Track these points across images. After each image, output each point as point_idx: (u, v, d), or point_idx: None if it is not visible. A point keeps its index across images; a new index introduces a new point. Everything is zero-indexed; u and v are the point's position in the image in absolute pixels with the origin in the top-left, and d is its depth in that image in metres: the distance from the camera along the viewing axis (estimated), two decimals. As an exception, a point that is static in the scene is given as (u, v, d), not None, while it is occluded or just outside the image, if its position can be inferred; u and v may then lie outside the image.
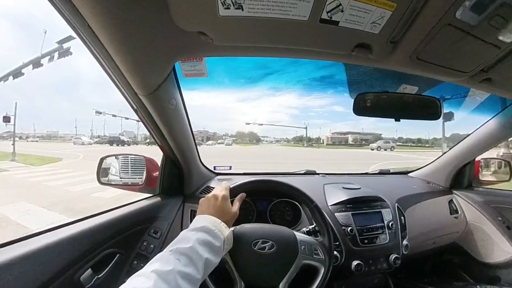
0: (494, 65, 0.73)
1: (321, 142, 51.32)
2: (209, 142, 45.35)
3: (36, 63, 12.90)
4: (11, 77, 13.67)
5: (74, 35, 0.57)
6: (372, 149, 28.01)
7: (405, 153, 23.74)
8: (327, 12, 0.50)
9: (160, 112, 0.87)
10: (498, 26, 0.56)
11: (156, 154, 1.27)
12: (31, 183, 7.56)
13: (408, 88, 1.08)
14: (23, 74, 13.60)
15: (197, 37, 0.59)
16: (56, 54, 12.30)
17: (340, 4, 0.49)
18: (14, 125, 16.26)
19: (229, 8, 0.49)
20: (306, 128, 49.10)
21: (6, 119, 15.89)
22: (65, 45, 12.08)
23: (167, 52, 0.67)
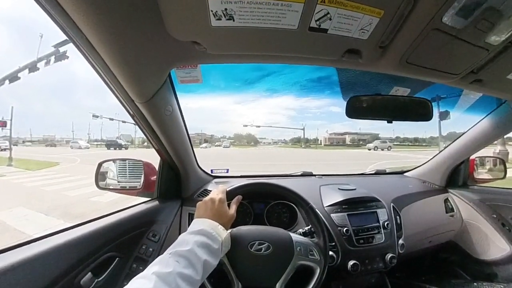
0: (483, 66, 0.74)
1: (319, 143, 51.41)
2: (203, 144, 40.88)
3: (32, 67, 12.84)
4: (7, 81, 13.60)
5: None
6: (369, 149, 28.01)
7: (402, 152, 23.83)
8: (316, 21, 0.52)
9: (156, 118, 0.88)
10: (485, 29, 0.58)
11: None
12: (28, 188, 7.52)
13: (400, 90, 1.10)
14: (19, 78, 13.53)
15: (191, 46, 0.61)
16: (52, 58, 12.24)
17: (328, 13, 0.50)
18: (11, 129, 16.21)
19: (220, 19, 0.51)
20: (303, 129, 49.18)
21: (2, 124, 15.80)
22: (62, 49, 12.05)
23: (162, 61, 0.68)
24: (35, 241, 0.76)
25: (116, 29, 0.51)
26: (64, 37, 0.55)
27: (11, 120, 16.13)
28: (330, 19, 0.52)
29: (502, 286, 1.23)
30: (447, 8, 0.51)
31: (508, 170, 1.71)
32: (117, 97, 0.78)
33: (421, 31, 0.57)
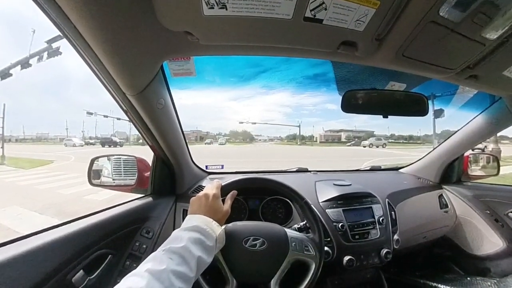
0: (479, 62, 0.74)
1: (315, 140, 51.49)
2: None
3: (25, 64, 12.65)
4: (-1, 78, 13.40)
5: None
6: (364, 147, 28.25)
7: (397, 150, 24.03)
8: (311, 11, 0.51)
9: (149, 111, 0.87)
10: (481, 23, 0.57)
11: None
12: (22, 187, 7.42)
13: (396, 85, 1.10)
14: (11, 75, 13.34)
15: (184, 37, 0.60)
16: (45, 54, 12.06)
17: (323, 2, 0.50)
18: (3, 127, 15.97)
19: (213, 8, 0.49)
20: (299, 126, 49.29)
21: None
22: (54, 45, 11.87)
23: (154, 52, 0.67)
24: (25, 238, 0.75)
25: (106, 19, 0.50)
26: (57, 33, 0.54)
27: (3, 117, 15.93)
28: (326, 9, 0.51)
29: (495, 281, 1.24)
30: (444, 0, 0.50)
31: (500, 167, 1.73)
32: (108, 90, 0.77)
33: (418, 23, 0.56)
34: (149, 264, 0.57)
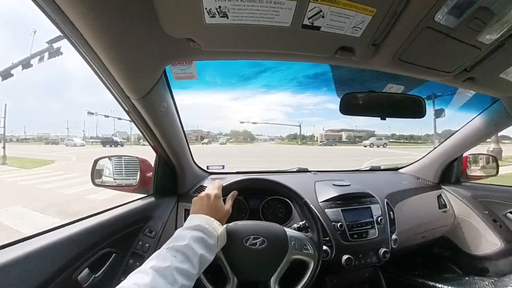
0: (475, 65, 0.75)
1: (315, 139, 51.39)
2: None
3: (26, 64, 12.68)
4: (-1, 78, 13.42)
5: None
6: (365, 146, 28.22)
7: (398, 149, 23.97)
8: (309, 18, 0.53)
9: (152, 114, 0.88)
10: (477, 28, 0.59)
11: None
12: (24, 187, 7.44)
13: (394, 87, 1.11)
14: (12, 75, 13.37)
15: (186, 43, 0.62)
16: (46, 54, 12.07)
17: (321, 11, 0.51)
18: (4, 127, 16.00)
19: (214, 17, 0.51)
20: (300, 126, 49.26)
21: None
22: (55, 45, 11.88)
23: (157, 57, 0.68)
24: (31, 238, 0.76)
25: (111, 26, 0.51)
26: (58, 33, 0.55)
27: (4, 118, 15.96)
28: (323, 16, 0.52)
29: (493, 281, 1.25)
30: (439, 7, 0.52)
31: (500, 167, 1.74)
32: (112, 93, 0.79)
33: (414, 29, 0.57)
34: (153, 261, 0.59)
